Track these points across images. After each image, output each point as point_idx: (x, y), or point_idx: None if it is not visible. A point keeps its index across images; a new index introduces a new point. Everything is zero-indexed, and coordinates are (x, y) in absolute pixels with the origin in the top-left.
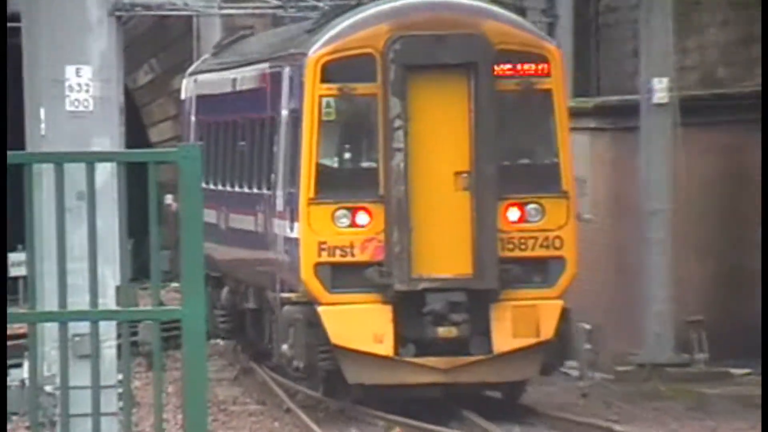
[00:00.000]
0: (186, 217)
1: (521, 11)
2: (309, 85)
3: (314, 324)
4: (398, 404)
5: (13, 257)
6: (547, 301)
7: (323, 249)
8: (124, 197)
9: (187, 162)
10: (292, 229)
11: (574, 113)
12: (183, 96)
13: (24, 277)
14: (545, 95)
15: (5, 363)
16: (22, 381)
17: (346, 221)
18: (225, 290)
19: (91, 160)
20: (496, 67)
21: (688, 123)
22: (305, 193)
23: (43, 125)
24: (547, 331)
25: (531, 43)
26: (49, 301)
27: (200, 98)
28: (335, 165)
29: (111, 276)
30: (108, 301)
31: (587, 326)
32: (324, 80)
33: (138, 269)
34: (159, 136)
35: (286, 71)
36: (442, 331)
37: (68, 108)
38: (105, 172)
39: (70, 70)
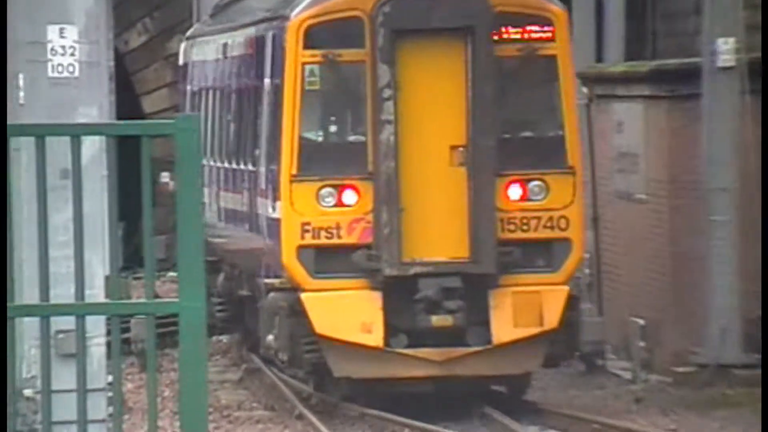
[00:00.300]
0: (183, 197)
1: None
2: (291, 51)
3: (298, 312)
4: (420, 408)
5: None
6: (551, 287)
7: (306, 230)
8: (114, 175)
9: (184, 135)
10: (274, 208)
11: (626, 79)
12: (181, 62)
13: None
14: (549, 62)
15: (5, 362)
16: None
17: (331, 200)
18: (221, 276)
19: (76, 133)
20: (495, 32)
21: (757, 89)
22: (287, 169)
23: (21, 93)
24: (552, 320)
25: (534, 5)
26: (28, 293)
27: (196, 65)
28: (320, 139)
29: (99, 264)
30: (96, 292)
31: (641, 321)
32: (307, 46)
33: (130, 256)
34: (153, 106)
35: (269, 36)
36: (436, 320)
37: (50, 74)
38: (92, 147)
39: (52, 31)
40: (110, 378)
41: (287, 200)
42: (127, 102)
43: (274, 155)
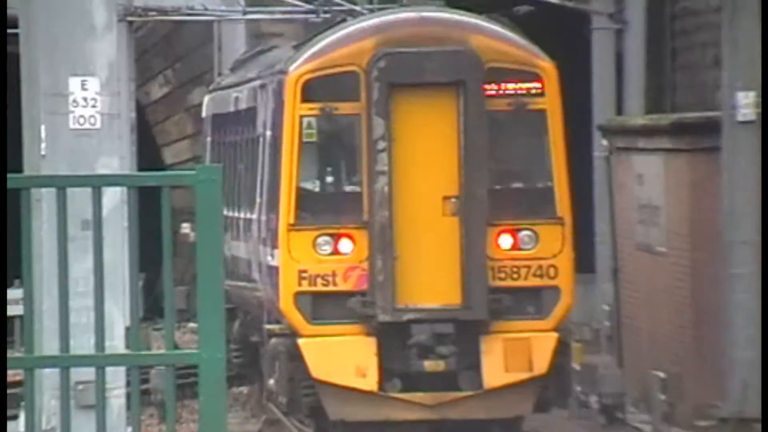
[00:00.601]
0: (203, 247)
1: (585, 16)
2: (289, 104)
3: (296, 357)
4: None
5: (9, 294)
6: (540, 333)
7: (304, 278)
8: (134, 226)
9: (204, 186)
10: (272, 256)
11: (647, 132)
12: (203, 114)
13: (21, 317)
14: (539, 115)
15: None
16: None
17: (328, 248)
18: (237, 323)
19: (97, 184)
20: (486, 86)
21: None
22: (285, 218)
23: (43, 144)
24: (541, 366)
25: (523, 61)
26: (48, 344)
27: (215, 117)
28: (317, 189)
29: (119, 315)
30: (116, 343)
31: (661, 374)
32: (305, 99)
33: (150, 307)
34: (174, 157)
35: (270, 90)
36: (429, 365)
37: (72, 125)
38: (113, 198)
39: (74, 83)
40: (130, 429)
41: (285, 248)
42: (148, 153)
43: (273, 204)
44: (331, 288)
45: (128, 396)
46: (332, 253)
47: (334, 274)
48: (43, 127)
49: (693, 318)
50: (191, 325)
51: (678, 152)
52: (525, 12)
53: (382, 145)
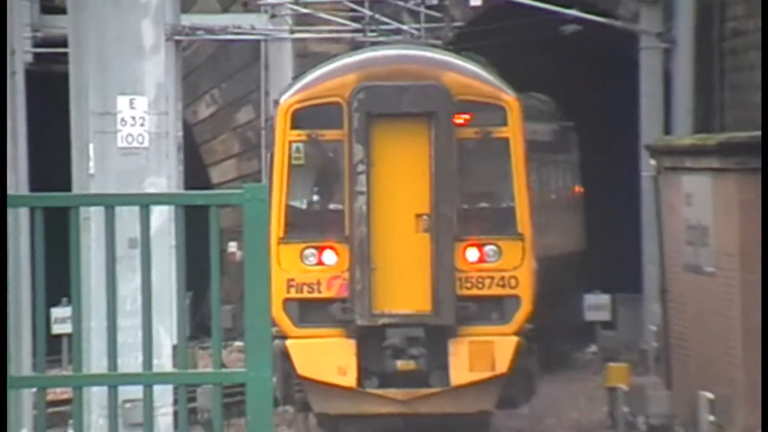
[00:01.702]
0: (251, 266)
1: (633, 35)
2: (280, 131)
3: (287, 357)
4: None
5: (57, 312)
6: (502, 337)
7: (291, 286)
8: (182, 244)
9: (252, 205)
10: None
11: (695, 151)
12: None
13: (69, 335)
14: (502, 143)
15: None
16: None
17: (313, 260)
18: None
19: (145, 202)
20: (455, 116)
21: None
22: (275, 232)
23: (91, 163)
24: (503, 366)
25: (489, 95)
26: (96, 362)
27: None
28: (304, 206)
29: (167, 334)
30: (163, 362)
31: (710, 396)
32: (294, 126)
33: (197, 326)
34: (221, 176)
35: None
36: (401, 364)
37: (120, 144)
38: (161, 217)
39: (122, 102)
40: None
41: (275, 259)
42: (195, 172)
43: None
44: (315, 295)
45: (175, 414)
46: (317, 264)
47: (318, 283)
48: (91, 146)
49: (742, 339)
50: (238, 344)
51: (726, 172)
52: (572, 32)
53: (361, 168)
